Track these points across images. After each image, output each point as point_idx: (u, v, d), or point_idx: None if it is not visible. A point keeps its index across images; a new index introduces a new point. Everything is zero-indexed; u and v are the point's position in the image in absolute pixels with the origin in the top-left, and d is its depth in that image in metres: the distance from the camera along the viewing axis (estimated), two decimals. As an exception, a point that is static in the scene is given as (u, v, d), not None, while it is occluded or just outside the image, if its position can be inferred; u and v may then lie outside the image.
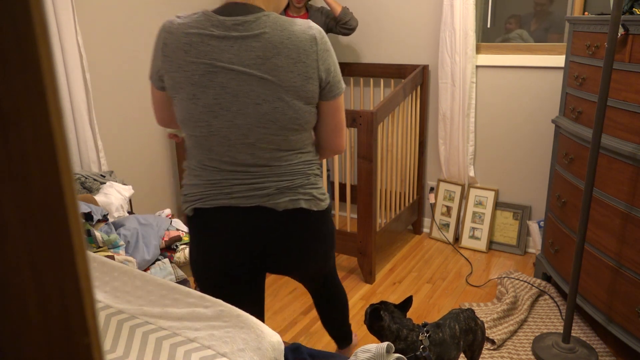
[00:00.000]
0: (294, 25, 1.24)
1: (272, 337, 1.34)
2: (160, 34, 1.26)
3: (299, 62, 1.22)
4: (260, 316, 1.58)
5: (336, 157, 2.83)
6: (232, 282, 1.46)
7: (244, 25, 1.21)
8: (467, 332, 1.79)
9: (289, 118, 1.26)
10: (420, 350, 1.67)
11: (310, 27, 1.25)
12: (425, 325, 1.75)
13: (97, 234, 2.04)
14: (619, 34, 1.90)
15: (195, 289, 1.60)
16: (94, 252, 1.97)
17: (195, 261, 1.46)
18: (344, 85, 1.34)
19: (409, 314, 2.48)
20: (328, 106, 1.33)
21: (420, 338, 1.70)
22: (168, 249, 2.29)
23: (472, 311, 1.86)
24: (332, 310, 1.86)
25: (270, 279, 2.86)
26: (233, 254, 1.40)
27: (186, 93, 1.25)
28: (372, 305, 1.80)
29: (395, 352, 1.69)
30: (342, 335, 1.97)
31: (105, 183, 2.54)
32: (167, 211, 2.60)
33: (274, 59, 1.21)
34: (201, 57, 1.22)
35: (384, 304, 1.78)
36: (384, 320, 1.73)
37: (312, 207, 1.37)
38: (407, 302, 1.83)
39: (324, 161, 2.67)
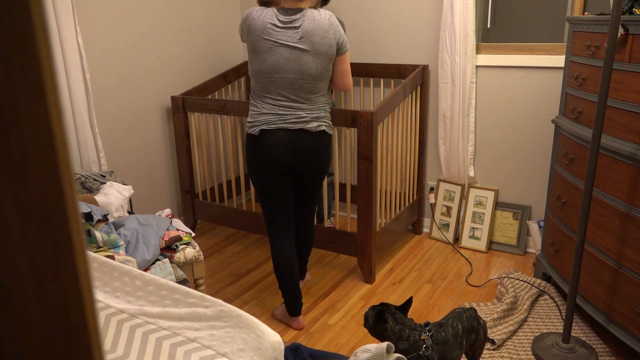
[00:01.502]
0: (319, 16, 2.10)
1: (272, 337, 1.34)
2: (248, 17, 2.12)
3: (324, 38, 2.10)
4: (291, 210, 2.37)
5: (336, 157, 2.83)
6: (278, 177, 2.24)
7: (292, 22, 2.09)
8: (469, 331, 1.78)
9: (319, 72, 2.14)
10: (423, 349, 1.67)
11: (328, 16, 2.12)
12: (427, 324, 1.75)
13: (97, 234, 2.04)
14: (619, 34, 1.90)
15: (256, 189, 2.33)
16: (94, 252, 1.97)
17: (257, 165, 2.23)
18: (348, 45, 2.21)
19: (409, 314, 2.49)
20: (339, 59, 2.20)
21: (422, 337, 1.70)
22: (168, 249, 2.29)
23: (475, 310, 1.86)
24: (306, 241, 2.57)
25: (271, 279, 2.86)
26: (283, 157, 2.19)
27: (259, 56, 2.12)
28: (373, 307, 1.80)
29: (398, 352, 1.69)
30: (303, 268, 2.68)
31: (105, 183, 2.54)
32: (167, 211, 2.60)
33: (311, 38, 2.08)
34: (270, 37, 2.09)
35: (385, 305, 1.78)
36: (388, 322, 1.73)
37: (328, 131, 2.25)
38: (408, 303, 1.83)
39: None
